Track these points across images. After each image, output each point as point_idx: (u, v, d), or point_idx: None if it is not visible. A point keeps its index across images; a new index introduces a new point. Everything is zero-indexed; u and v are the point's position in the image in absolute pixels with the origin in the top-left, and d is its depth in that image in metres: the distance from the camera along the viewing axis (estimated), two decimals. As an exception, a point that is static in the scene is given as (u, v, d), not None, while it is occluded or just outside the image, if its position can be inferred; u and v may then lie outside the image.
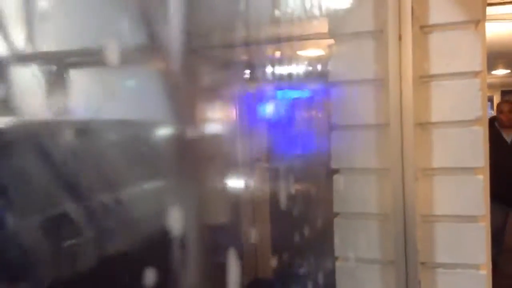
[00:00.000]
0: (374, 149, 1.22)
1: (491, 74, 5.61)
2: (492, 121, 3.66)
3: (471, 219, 1.17)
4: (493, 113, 7.05)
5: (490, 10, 2.56)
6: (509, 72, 5.60)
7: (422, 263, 1.18)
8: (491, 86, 6.43)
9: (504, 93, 6.83)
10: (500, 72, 5.57)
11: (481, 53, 1.15)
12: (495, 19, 2.90)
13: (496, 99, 6.81)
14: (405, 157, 1.16)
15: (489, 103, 6.90)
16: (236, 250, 1.17)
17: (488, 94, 6.74)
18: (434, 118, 1.17)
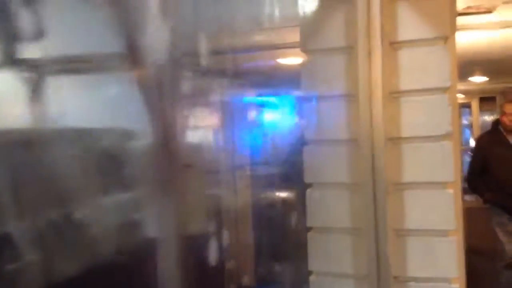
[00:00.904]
0: (345, 163, 1.23)
1: (469, 81, 5.69)
2: (495, 124, 3.39)
3: (443, 233, 1.18)
4: (471, 119, 7.15)
5: (465, 20, 2.60)
6: (487, 80, 5.69)
7: (395, 277, 1.19)
8: (469, 93, 6.51)
9: (482, 100, 6.93)
10: (478, 79, 5.66)
11: (450, 69, 1.16)
12: (471, 28, 2.95)
13: (474, 106, 6.91)
14: (376, 172, 1.17)
15: (467, 109, 6.99)
16: (214, 259, 1.16)
17: (466, 101, 6.82)
18: (404, 133, 1.18)
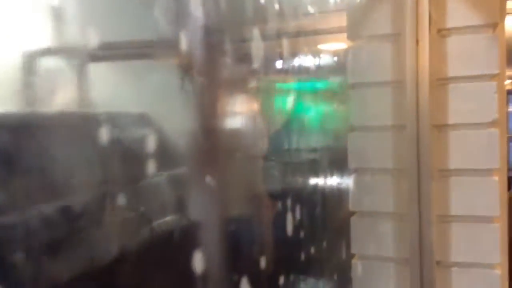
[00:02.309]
0: (391, 150, 1.25)
1: (517, 68, 5.53)
2: None
3: (487, 219, 1.19)
4: (518, 107, 6.93)
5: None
6: (536, 65, 5.51)
7: (437, 262, 1.21)
8: (516, 79, 6.32)
9: (530, 87, 6.72)
10: (526, 65, 5.49)
11: (498, 56, 1.16)
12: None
13: (522, 93, 6.70)
14: (421, 158, 1.19)
15: (513, 97, 6.79)
16: (255, 245, 1.20)
17: (513, 87, 6.61)
18: (450, 120, 1.19)
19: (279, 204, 1.28)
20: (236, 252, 1.08)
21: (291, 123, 1.49)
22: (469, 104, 1.18)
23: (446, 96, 1.19)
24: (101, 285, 0.67)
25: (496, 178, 1.18)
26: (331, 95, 1.66)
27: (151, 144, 0.79)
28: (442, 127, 1.20)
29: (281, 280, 1.16)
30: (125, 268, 0.70)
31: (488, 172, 1.18)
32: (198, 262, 0.82)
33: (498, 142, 1.17)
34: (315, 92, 1.63)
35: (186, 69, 0.99)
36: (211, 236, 1.01)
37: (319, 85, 1.66)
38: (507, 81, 6.06)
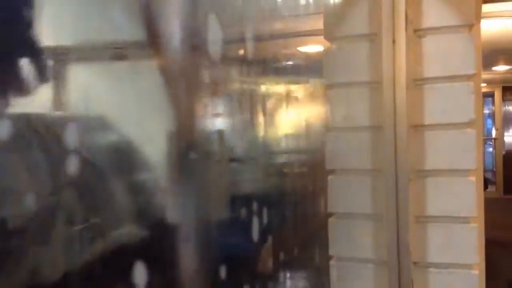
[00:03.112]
0: (368, 150, 1.24)
1: (492, 70, 5.61)
2: None
3: (464, 220, 1.19)
4: (494, 109, 7.04)
5: (490, 8, 2.57)
6: (510, 68, 5.60)
7: (415, 263, 1.21)
8: (492, 82, 6.43)
9: (505, 89, 6.84)
10: (501, 68, 5.58)
11: (474, 56, 1.17)
12: (495, 16, 2.91)
13: (497, 95, 6.81)
14: (398, 159, 1.18)
15: (489, 99, 6.90)
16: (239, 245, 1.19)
17: (489, 90, 6.73)
18: (427, 121, 1.19)
19: (255, 207, 1.26)
20: (212, 256, 1.06)
21: (268, 125, 1.47)
22: (446, 105, 1.18)
23: (423, 96, 1.19)
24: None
25: (473, 178, 1.18)
26: (309, 96, 1.65)
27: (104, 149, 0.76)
28: (419, 127, 1.20)
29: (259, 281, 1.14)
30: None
31: (465, 172, 1.18)
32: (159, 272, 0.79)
33: (475, 143, 1.17)
34: (292, 94, 1.62)
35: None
36: (183, 242, 0.99)
37: (297, 86, 1.64)
38: (483, 84, 6.16)
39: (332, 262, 1.29)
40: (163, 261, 0.91)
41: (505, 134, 7.27)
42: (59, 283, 0.63)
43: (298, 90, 1.63)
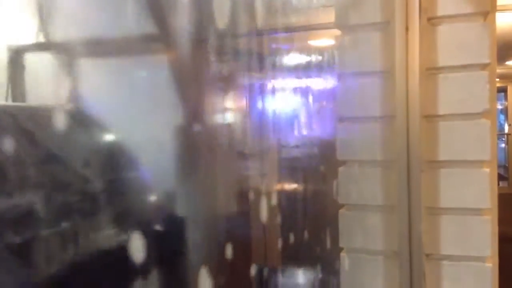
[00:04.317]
0: (380, 141, 1.22)
1: (505, 65, 5.53)
2: None
3: (477, 212, 1.17)
4: (506, 104, 6.95)
5: (504, 1, 2.52)
6: (524, 63, 5.52)
7: (427, 255, 1.19)
8: (504, 77, 6.34)
9: (518, 84, 6.74)
10: (515, 62, 5.50)
11: (489, 45, 1.14)
12: (509, 9, 2.87)
13: (510, 89, 6.72)
14: (410, 149, 1.16)
15: (502, 94, 6.80)
16: (242, 240, 1.18)
17: (502, 84, 6.63)
18: (440, 111, 1.17)
19: (264, 198, 1.25)
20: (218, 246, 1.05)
21: (279, 117, 1.46)
22: (459, 94, 1.16)
23: (436, 86, 1.17)
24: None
25: (486, 170, 1.16)
26: (320, 87, 1.63)
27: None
28: (432, 118, 1.18)
29: (266, 272, 1.14)
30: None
31: (479, 163, 1.16)
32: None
33: (489, 133, 1.15)
34: (304, 86, 1.61)
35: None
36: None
37: (308, 78, 1.63)
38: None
39: (342, 254, 1.28)
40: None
41: (518, 129, 7.16)
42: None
43: (309, 82, 1.61)
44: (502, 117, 7.51)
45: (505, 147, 7.58)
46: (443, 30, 1.16)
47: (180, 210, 1.01)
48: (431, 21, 1.16)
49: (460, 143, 1.16)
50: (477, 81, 1.14)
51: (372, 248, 1.24)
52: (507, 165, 7.31)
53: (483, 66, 1.14)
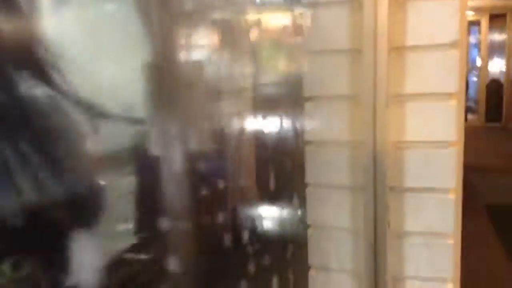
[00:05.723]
0: (346, 75, 1.19)
1: (480, -3, 5.48)
2: None
3: (443, 144, 1.17)
4: (480, 38, 6.95)
5: None
6: (499, -5, 5.47)
7: (391, 188, 1.19)
8: (478, 10, 6.29)
9: (492, 17, 6.71)
10: (489, -5, 5.45)
11: (460, -27, 1.10)
12: None
13: (484, 23, 6.70)
14: (378, 83, 1.14)
15: (476, 27, 6.79)
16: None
17: (476, 18, 6.60)
18: (408, 42, 1.14)
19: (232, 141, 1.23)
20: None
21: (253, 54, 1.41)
22: (428, 25, 1.12)
23: (405, 16, 1.13)
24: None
25: (454, 102, 1.15)
26: (287, 22, 1.57)
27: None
28: (400, 50, 1.14)
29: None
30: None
31: (446, 96, 1.15)
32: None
33: (457, 65, 1.13)
34: (268, 23, 1.54)
35: None
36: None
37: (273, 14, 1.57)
38: (469, 12, 6.04)
39: (308, 188, 1.28)
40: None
41: (490, 63, 7.23)
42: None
43: (273, 17, 1.55)
44: (475, 51, 7.52)
45: (477, 80, 7.65)
46: (413, -44, 1.10)
47: (154, 150, 0.98)
48: None
49: (428, 75, 1.14)
50: (446, 10, 1.11)
51: (337, 182, 1.24)
52: (477, 98, 7.41)
53: (453, -5, 1.10)
